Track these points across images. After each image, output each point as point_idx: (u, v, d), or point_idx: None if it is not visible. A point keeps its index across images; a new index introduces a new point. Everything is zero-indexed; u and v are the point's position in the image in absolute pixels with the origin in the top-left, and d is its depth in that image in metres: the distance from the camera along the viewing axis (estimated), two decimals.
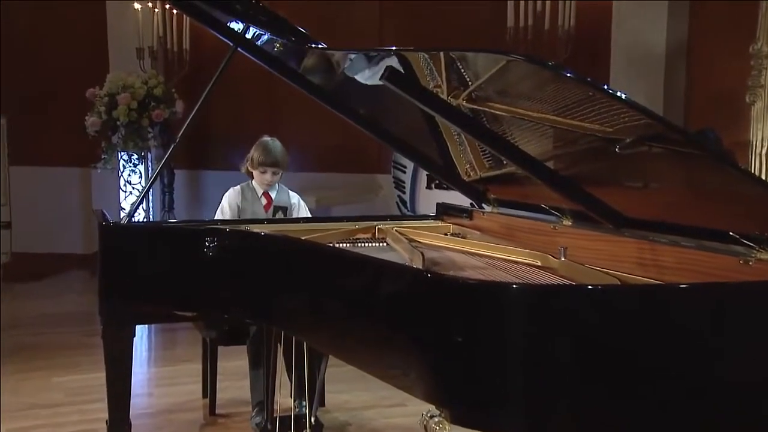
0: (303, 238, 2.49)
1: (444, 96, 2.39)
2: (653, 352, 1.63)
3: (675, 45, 5.88)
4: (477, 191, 2.99)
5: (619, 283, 1.92)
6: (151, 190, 3.05)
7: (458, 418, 1.72)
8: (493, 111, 2.33)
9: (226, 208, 3.27)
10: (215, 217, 3.26)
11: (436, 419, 1.73)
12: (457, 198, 3.27)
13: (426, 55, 2.35)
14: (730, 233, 1.85)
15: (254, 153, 3.28)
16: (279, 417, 2.99)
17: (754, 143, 4.51)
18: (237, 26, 2.78)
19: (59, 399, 3.69)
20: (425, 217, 3.31)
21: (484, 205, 3.02)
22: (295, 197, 3.38)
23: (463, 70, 2.29)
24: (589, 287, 1.76)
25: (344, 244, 2.73)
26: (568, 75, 1.84)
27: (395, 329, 1.89)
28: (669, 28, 5.85)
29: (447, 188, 3.86)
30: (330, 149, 6.82)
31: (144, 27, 6.18)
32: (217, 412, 3.45)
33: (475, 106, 2.37)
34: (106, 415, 2.64)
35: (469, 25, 6.21)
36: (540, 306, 1.65)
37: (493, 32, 5.94)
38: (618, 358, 1.62)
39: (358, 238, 2.85)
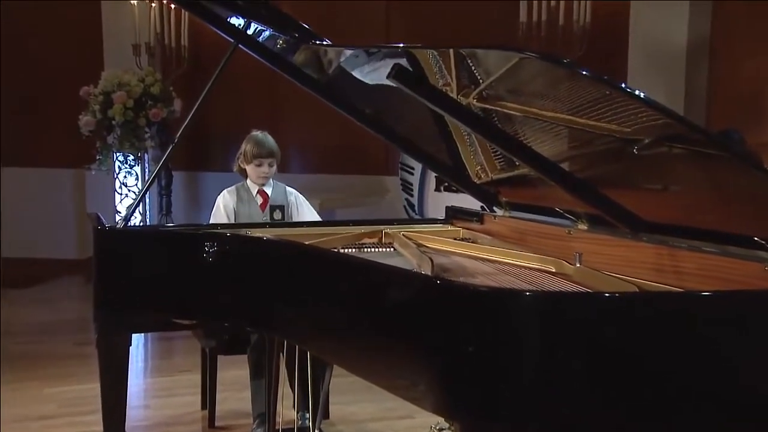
0: (306, 242, 2.49)
1: (454, 95, 2.39)
2: (673, 363, 1.63)
3: (697, 41, 5.88)
4: (488, 194, 2.99)
5: (637, 290, 1.92)
6: (148, 192, 3.05)
7: (468, 431, 1.72)
8: (504, 110, 2.33)
9: (221, 210, 3.26)
10: (210, 221, 3.26)
11: None
12: (467, 201, 3.27)
13: (435, 53, 2.36)
14: (755, 238, 1.84)
15: (246, 147, 3.27)
16: (281, 430, 2.99)
17: None
18: (238, 22, 2.79)
19: (51, 411, 3.70)
20: (434, 221, 3.31)
21: (495, 208, 3.02)
22: (292, 194, 3.37)
23: (473, 68, 2.29)
24: (606, 295, 1.76)
25: (349, 249, 2.74)
26: (584, 73, 1.85)
27: (403, 338, 1.89)
28: (690, 23, 5.84)
29: (457, 191, 3.86)
30: (334, 149, 6.83)
31: (140, 22, 6.18)
32: (216, 424, 3.45)
33: (486, 105, 2.37)
34: (100, 428, 2.65)
35: (479, 21, 6.22)
36: (554, 314, 1.64)
37: (504, 28, 5.95)
38: (636, 370, 1.62)
39: (364, 243, 2.85)
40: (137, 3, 6.17)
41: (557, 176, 2.29)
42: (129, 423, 2.71)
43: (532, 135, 2.36)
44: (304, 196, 3.43)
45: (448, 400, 1.74)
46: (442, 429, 2.39)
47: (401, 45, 2.36)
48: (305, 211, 3.36)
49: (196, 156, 6.75)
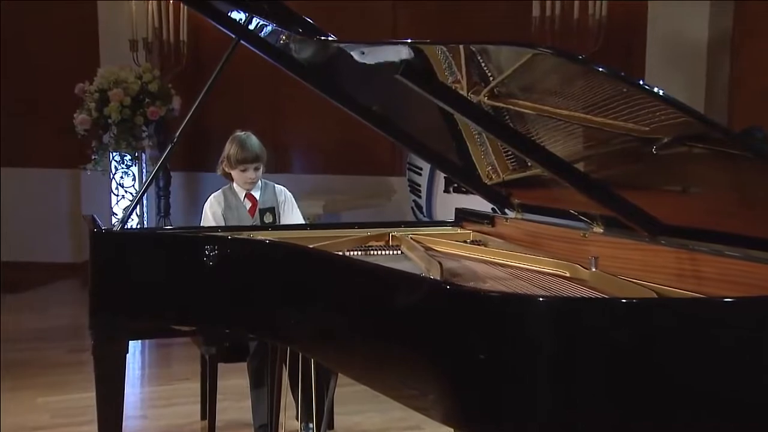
0: (310, 246, 2.50)
1: (464, 92, 2.39)
2: (694, 372, 1.63)
3: (718, 36, 5.87)
4: (499, 195, 2.99)
5: (655, 296, 1.92)
6: (145, 194, 3.05)
7: None
8: (517, 108, 2.33)
9: (209, 219, 3.23)
10: None
11: None
12: (477, 203, 3.27)
13: (444, 49, 2.36)
14: None
15: (230, 151, 3.23)
16: None
17: None
18: (239, 17, 2.80)
19: (45, 421, 3.71)
20: (443, 223, 3.31)
21: (507, 210, 3.02)
22: (282, 193, 3.34)
23: (484, 65, 2.30)
24: (623, 301, 1.76)
25: (355, 253, 2.74)
26: (600, 69, 1.85)
27: (411, 346, 1.89)
28: (711, 18, 5.84)
29: (467, 192, 3.86)
30: (339, 149, 6.84)
31: (138, 17, 6.21)
32: None
33: (498, 103, 2.37)
34: None
35: (491, 15, 6.23)
36: (569, 321, 1.64)
37: (517, 23, 5.95)
38: (654, 379, 1.62)
39: (370, 246, 2.86)
40: None
41: (571, 177, 2.29)
42: None
43: (545, 134, 2.36)
44: (307, 197, 3.43)
45: (458, 410, 1.74)
46: None
47: (409, 41, 2.36)
48: (291, 213, 3.32)
49: (195, 156, 6.75)
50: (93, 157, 6.01)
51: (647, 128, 1.92)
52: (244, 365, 3.26)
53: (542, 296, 1.81)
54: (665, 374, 1.62)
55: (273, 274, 2.44)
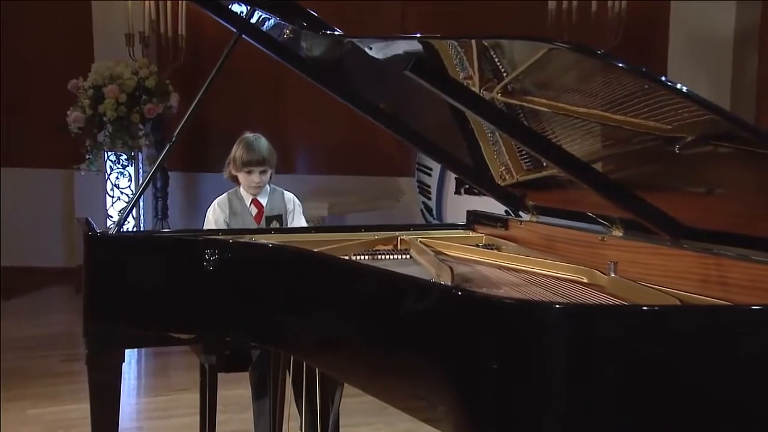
0: (315, 250, 2.50)
1: (476, 89, 2.39)
2: (719, 384, 1.62)
3: (745, 29, 5.85)
4: (513, 197, 2.99)
5: (678, 303, 1.92)
6: (142, 195, 3.06)
7: None
8: (531, 106, 2.33)
9: (212, 225, 3.22)
10: None
11: None
12: (490, 205, 3.27)
13: (455, 43, 2.36)
14: None
15: (236, 152, 3.22)
16: None
17: None
18: (240, 9, 2.81)
19: None
20: (454, 226, 3.31)
21: (521, 212, 3.02)
22: (291, 201, 3.34)
23: (497, 60, 2.30)
24: (644, 308, 1.76)
25: (362, 257, 2.74)
26: (620, 65, 1.85)
27: (420, 355, 1.89)
28: (738, 12, 5.82)
29: (478, 194, 3.87)
30: (344, 148, 6.85)
31: (134, 9, 6.23)
32: None
33: (512, 101, 2.37)
34: None
35: (504, 8, 6.22)
36: (587, 329, 1.64)
37: (532, 16, 5.95)
38: (677, 391, 1.62)
39: (378, 250, 2.86)
40: None
41: (589, 178, 2.29)
42: None
43: (561, 133, 2.36)
44: (311, 199, 3.43)
45: (470, 422, 1.74)
46: None
47: (419, 35, 2.36)
48: (297, 223, 3.32)
49: (194, 156, 6.78)
50: (87, 156, 6.03)
51: (670, 126, 1.92)
52: (245, 375, 3.27)
53: (559, 303, 1.81)
54: (689, 387, 1.62)
55: (276, 280, 2.44)
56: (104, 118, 5.91)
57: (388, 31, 6.45)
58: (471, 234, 3.15)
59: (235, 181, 3.29)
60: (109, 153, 6.07)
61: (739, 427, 1.63)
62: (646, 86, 1.87)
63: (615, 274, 2.22)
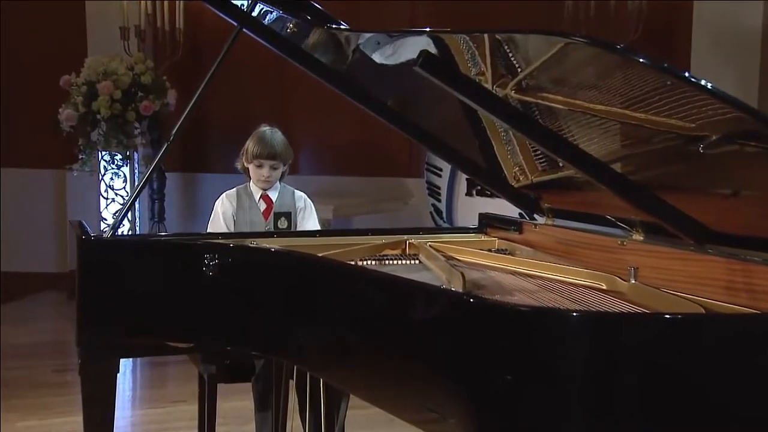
0: (320, 254, 2.51)
1: (488, 85, 2.40)
2: (746, 397, 1.62)
3: None
4: (528, 199, 2.99)
5: (703, 311, 1.91)
6: (138, 197, 3.07)
7: None
8: (547, 103, 2.34)
9: (220, 219, 3.26)
10: (208, 228, 3.28)
11: None
12: (503, 207, 3.27)
13: (467, 38, 2.37)
14: None
15: (249, 144, 3.27)
16: None
17: None
18: (241, 2, 2.81)
19: None
20: (465, 229, 3.31)
21: (536, 215, 3.02)
22: (301, 199, 3.37)
23: (511, 55, 2.30)
24: (667, 316, 1.76)
25: (368, 262, 2.74)
26: (641, 60, 1.85)
27: (430, 365, 1.90)
28: (767, 2, 5.80)
29: (491, 195, 3.87)
30: (350, 148, 6.86)
31: (129, 2, 6.24)
32: None
33: (526, 98, 2.37)
34: None
35: (519, 5, 6.22)
36: (606, 339, 1.64)
37: (548, 8, 5.94)
38: (702, 403, 1.61)
39: (385, 255, 2.86)
40: None
41: (608, 179, 2.29)
42: None
43: (578, 131, 2.36)
44: (316, 201, 3.44)
45: None
46: None
47: (428, 29, 2.37)
48: (308, 222, 3.35)
49: (193, 156, 6.80)
50: (80, 156, 6.04)
51: (693, 125, 1.92)
52: (246, 386, 3.27)
53: (576, 311, 1.81)
54: (715, 401, 1.62)
55: (279, 286, 2.45)
56: (98, 116, 5.92)
57: (397, 27, 6.49)
58: (483, 238, 3.15)
59: (247, 174, 3.33)
60: (103, 153, 6.09)
61: None
62: (669, 82, 1.87)
63: (635, 280, 2.22)
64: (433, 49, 2.41)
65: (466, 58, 2.43)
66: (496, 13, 6.23)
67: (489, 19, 6.30)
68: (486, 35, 2.30)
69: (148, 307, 2.61)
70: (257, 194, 3.31)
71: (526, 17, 6.03)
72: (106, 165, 6.12)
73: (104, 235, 2.81)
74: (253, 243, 2.76)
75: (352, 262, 2.63)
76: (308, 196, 3.44)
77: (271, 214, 3.30)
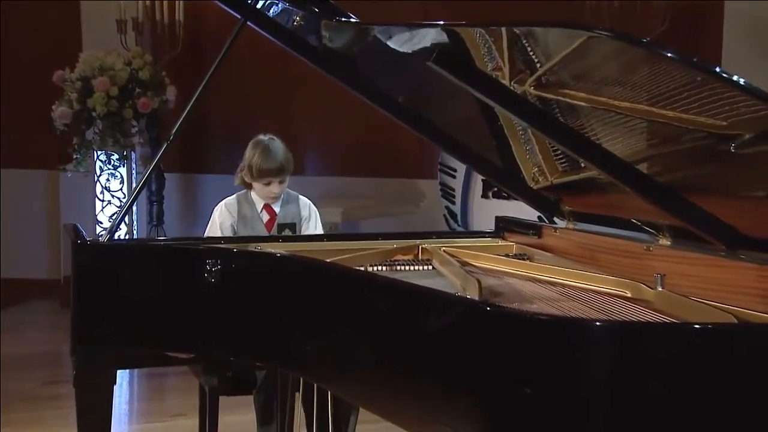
0: (327, 260, 2.51)
1: (506, 81, 2.40)
2: None
3: None
4: (547, 201, 2.99)
5: (734, 320, 1.91)
6: (136, 199, 3.07)
7: None
8: (568, 100, 2.33)
9: (217, 229, 3.24)
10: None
11: None
12: (521, 210, 3.27)
13: (483, 32, 2.37)
14: None
15: (252, 159, 3.21)
16: None
17: None
18: None
19: None
20: (481, 234, 3.32)
21: (556, 218, 3.01)
22: (306, 207, 3.36)
23: (530, 50, 2.30)
24: (696, 326, 1.75)
25: (379, 268, 2.75)
26: (668, 55, 1.84)
27: (443, 377, 1.90)
28: None
29: (508, 198, 3.87)
30: (359, 147, 6.86)
31: None
32: None
33: (546, 94, 2.37)
34: None
35: (536, 4, 6.22)
36: (632, 350, 1.64)
37: (567, 7, 5.93)
38: (733, 419, 1.61)
39: (397, 261, 2.87)
40: None
41: (633, 180, 2.28)
42: None
43: (601, 130, 2.36)
44: (322, 203, 3.43)
45: None
46: None
47: (442, 23, 2.37)
48: (312, 232, 3.33)
49: (193, 156, 6.81)
50: (74, 156, 6.07)
51: (725, 123, 1.92)
52: (249, 399, 3.28)
53: (599, 320, 1.81)
54: (748, 416, 1.61)
55: (284, 293, 2.45)
56: (93, 114, 5.94)
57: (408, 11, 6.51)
58: (500, 242, 3.15)
59: (248, 186, 3.30)
60: (99, 152, 6.10)
61: None
62: (698, 78, 1.87)
63: (662, 287, 2.22)
64: (447, 44, 2.40)
65: (482, 52, 2.43)
66: (512, 12, 6.22)
67: (505, 18, 6.30)
68: (504, 29, 2.30)
69: (146, 315, 2.62)
70: (259, 204, 3.29)
71: (544, 16, 6.02)
72: (101, 165, 6.14)
73: (100, 240, 2.81)
74: (257, 248, 2.76)
75: (362, 268, 2.63)
76: (314, 199, 3.43)
77: (275, 225, 3.28)
